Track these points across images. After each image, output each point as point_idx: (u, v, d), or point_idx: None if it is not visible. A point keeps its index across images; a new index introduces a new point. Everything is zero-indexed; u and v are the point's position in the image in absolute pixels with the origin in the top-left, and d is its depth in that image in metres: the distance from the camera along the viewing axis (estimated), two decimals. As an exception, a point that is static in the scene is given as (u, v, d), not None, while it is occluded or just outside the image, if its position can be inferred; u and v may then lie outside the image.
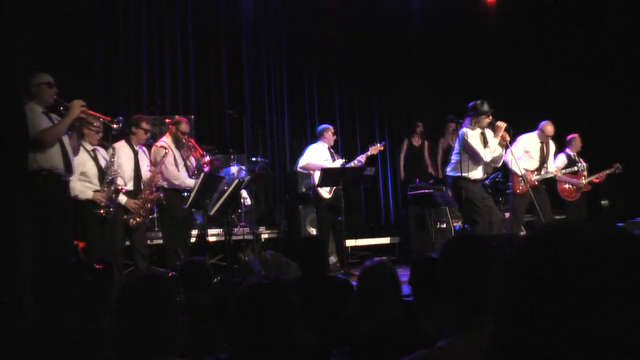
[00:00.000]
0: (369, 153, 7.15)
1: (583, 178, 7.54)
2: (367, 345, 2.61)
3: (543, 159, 6.92)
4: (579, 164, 7.39)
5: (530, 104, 8.82)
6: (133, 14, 8.05)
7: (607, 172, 7.58)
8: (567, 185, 7.55)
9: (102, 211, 5.22)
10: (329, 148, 7.06)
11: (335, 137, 7.26)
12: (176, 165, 5.98)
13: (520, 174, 6.61)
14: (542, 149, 6.94)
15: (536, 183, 6.76)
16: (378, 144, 7.27)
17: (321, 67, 9.27)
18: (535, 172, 6.86)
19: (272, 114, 8.90)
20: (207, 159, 6.36)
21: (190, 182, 5.95)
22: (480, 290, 1.55)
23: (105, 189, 5.29)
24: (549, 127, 6.91)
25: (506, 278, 0.72)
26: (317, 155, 6.95)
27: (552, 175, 7.01)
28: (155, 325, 1.80)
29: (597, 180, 7.61)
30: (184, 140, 6.08)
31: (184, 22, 8.38)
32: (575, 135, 7.65)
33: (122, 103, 7.83)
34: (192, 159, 6.22)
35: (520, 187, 6.68)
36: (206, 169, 6.20)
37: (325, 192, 6.83)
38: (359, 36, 9.31)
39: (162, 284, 1.92)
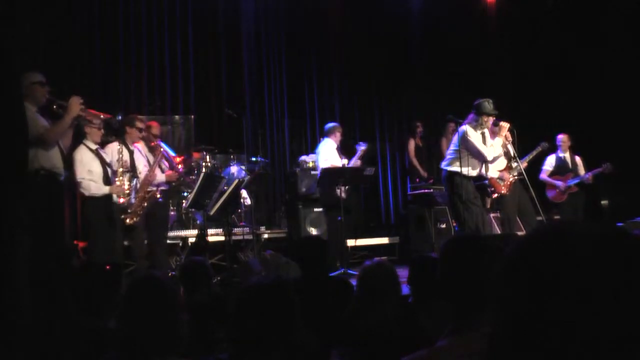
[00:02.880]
0: (361, 153, 7.10)
1: (570, 179, 7.50)
2: (367, 345, 2.61)
3: (508, 155, 6.81)
4: (543, 144, 7.21)
5: (531, 104, 8.83)
6: (133, 14, 8.06)
7: (596, 172, 7.50)
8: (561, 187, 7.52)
9: (122, 200, 5.22)
10: (337, 147, 7.06)
11: (342, 137, 7.18)
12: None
13: (495, 176, 6.56)
14: (504, 145, 6.85)
15: (515, 178, 6.67)
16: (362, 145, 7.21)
17: (321, 67, 9.27)
18: (508, 169, 6.74)
19: (272, 114, 8.90)
20: (178, 159, 6.40)
21: (162, 177, 6.00)
22: (479, 290, 1.55)
23: (124, 180, 5.29)
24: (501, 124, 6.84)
25: (505, 278, 0.72)
26: (328, 155, 6.92)
27: (521, 168, 6.84)
28: (157, 325, 1.80)
29: (588, 182, 7.53)
30: (156, 143, 6.12)
31: (184, 22, 8.38)
32: (563, 135, 7.61)
33: (122, 103, 7.82)
34: (165, 162, 6.27)
35: (503, 187, 6.60)
36: (181, 169, 6.26)
37: (343, 193, 6.93)
38: (359, 36, 9.31)
39: (164, 284, 1.92)
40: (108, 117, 5.12)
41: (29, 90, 4.48)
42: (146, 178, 5.78)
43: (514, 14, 9.47)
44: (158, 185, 6.01)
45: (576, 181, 7.53)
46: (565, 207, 7.58)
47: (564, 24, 9.00)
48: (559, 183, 7.54)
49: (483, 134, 6.16)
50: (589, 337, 0.64)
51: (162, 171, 6.17)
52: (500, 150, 6.23)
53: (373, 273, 2.81)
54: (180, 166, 6.34)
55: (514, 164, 6.72)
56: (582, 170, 7.66)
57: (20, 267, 3.11)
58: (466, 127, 6.08)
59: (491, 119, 6.11)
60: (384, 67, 9.43)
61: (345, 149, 7.30)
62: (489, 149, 6.10)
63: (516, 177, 6.67)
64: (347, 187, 6.74)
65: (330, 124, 7.20)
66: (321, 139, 7.27)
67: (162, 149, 6.07)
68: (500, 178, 6.60)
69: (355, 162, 7.09)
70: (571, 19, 8.91)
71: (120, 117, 5.37)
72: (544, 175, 7.67)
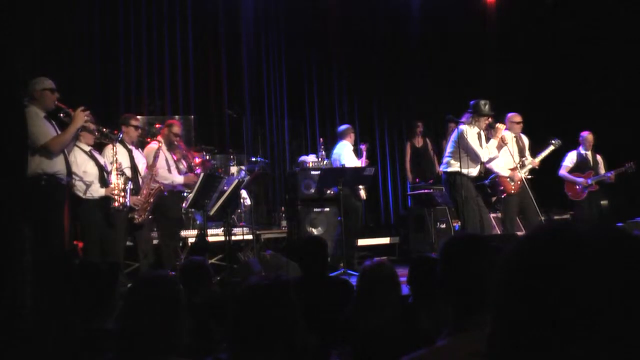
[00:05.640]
0: (367, 154, 7.45)
1: (591, 177, 7.41)
2: (367, 345, 2.61)
3: (521, 153, 6.78)
4: (554, 142, 7.16)
5: (531, 104, 8.81)
6: (133, 14, 8.06)
7: (617, 172, 7.38)
8: (582, 183, 7.42)
9: (117, 204, 5.25)
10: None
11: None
12: (168, 166, 6.01)
13: (506, 175, 6.49)
14: (517, 143, 6.76)
15: (523, 176, 6.64)
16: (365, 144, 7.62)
17: (321, 67, 9.27)
18: (519, 167, 6.71)
19: (272, 114, 8.90)
20: (197, 160, 6.39)
21: (180, 179, 6.03)
22: (479, 290, 1.55)
23: (119, 182, 5.31)
24: (515, 118, 6.73)
25: (504, 277, 0.72)
26: (352, 156, 7.14)
27: (531, 165, 6.79)
28: (160, 325, 1.80)
29: (610, 180, 7.39)
30: (176, 142, 6.12)
31: (184, 22, 8.39)
32: (587, 132, 7.52)
33: (122, 103, 7.83)
34: (184, 161, 6.27)
35: (513, 187, 6.50)
36: (198, 170, 6.25)
37: (363, 194, 7.15)
38: (359, 36, 9.31)
39: (169, 284, 1.92)
40: (108, 131, 5.21)
41: (39, 96, 4.61)
42: (148, 175, 5.76)
43: (514, 13, 9.47)
44: (174, 186, 6.01)
45: (597, 179, 7.42)
46: (583, 205, 7.46)
47: (564, 22, 9.00)
48: (580, 180, 7.43)
49: (479, 134, 6.17)
50: (587, 337, 0.64)
51: (180, 172, 6.16)
52: (496, 152, 6.22)
53: (373, 273, 2.81)
54: (197, 168, 6.33)
55: (527, 161, 6.69)
56: (602, 169, 7.54)
57: (21, 267, 3.11)
58: (464, 127, 6.09)
59: (486, 120, 6.11)
60: (383, 67, 9.43)
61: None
62: (484, 150, 6.10)
63: (525, 177, 6.62)
64: (364, 187, 7.06)
65: (344, 127, 7.44)
66: (338, 140, 7.37)
67: (180, 149, 6.06)
68: (511, 178, 6.54)
69: (364, 163, 7.38)
70: (571, 17, 8.91)
71: (121, 134, 5.45)
72: (563, 172, 7.51)
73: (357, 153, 7.42)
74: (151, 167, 5.78)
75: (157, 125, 6.27)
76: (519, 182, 6.49)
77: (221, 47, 8.62)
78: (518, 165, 6.50)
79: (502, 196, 6.76)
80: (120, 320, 1.90)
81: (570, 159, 7.50)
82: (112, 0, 8.00)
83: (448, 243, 1.77)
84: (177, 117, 8.24)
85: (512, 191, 6.53)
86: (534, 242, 0.72)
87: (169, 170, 6.04)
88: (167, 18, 8.29)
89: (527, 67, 9.14)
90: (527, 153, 6.83)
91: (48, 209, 4.47)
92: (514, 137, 6.75)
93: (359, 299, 2.84)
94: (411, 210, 8.20)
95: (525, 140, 6.91)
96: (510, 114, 6.77)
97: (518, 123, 6.74)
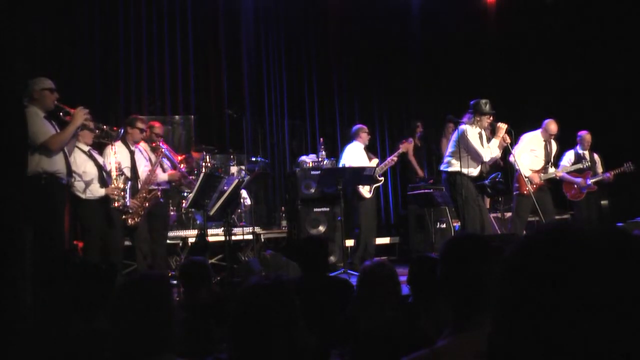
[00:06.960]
0: (400, 151, 7.46)
1: (589, 177, 7.38)
2: (367, 345, 2.61)
3: (548, 158, 6.80)
4: (584, 161, 7.25)
5: (530, 104, 8.82)
6: (133, 14, 8.06)
7: (616, 172, 7.33)
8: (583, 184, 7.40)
9: (117, 204, 5.26)
10: (364, 148, 7.28)
11: (369, 136, 7.44)
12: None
13: (526, 175, 6.44)
14: (546, 147, 6.80)
15: (542, 182, 6.68)
16: (406, 142, 7.61)
17: (321, 67, 9.27)
18: (542, 172, 6.74)
19: (272, 114, 8.90)
20: (179, 157, 6.45)
21: (164, 176, 6.10)
22: (480, 290, 1.55)
23: (119, 182, 5.33)
24: (552, 126, 6.76)
25: (505, 278, 0.72)
26: (356, 157, 7.12)
27: (553, 175, 6.89)
28: (148, 325, 1.82)
29: (609, 180, 7.34)
30: (158, 142, 6.16)
31: (184, 22, 8.39)
32: (585, 132, 7.46)
33: (122, 103, 7.83)
34: (166, 161, 6.31)
35: (527, 189, 6.42)
36: (183, 168, 6.31)
37: (365, 192, 7.08)
38: (359, 36, 9.32)
39: (153, 284, 1.94)
40: (108, 128, 5.21)
41: (39, 96, 4.61)
42: (147, 178, 5.80)
43: (514, 13, 9.47)
44: (159, 185, 6.04)
45: (595, 179, 7.36)
46: (582, 205, 7.40)
47: (564, 22, 9.00)
48: (578, 180, 7.35)
49: (480, 134, 6.17)
50: (588, 337, 0.64)
51: (164, 171, 6.21)
52: (498, 152, 6.22)
53: (373, 273, 2.81)
54: (182, 165, 6.39)
55: (550, 170, 6.73)
56: (599, 168, 7.49)
57: (21, 267, 3.11)
58: (465, 127, 6.09)
59: (487, 119, 6.12)
60: (383, 67, 9.43)
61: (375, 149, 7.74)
62: (485, 150, 6.10)
63: (543, 183, 6.67)
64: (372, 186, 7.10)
65: (355, 127, 7.44)
66: (350, 140, 7.41)
67: (163, 149, 6.09)
68: (530, 179, 6.49)
69: (390, 159, 7.43)
70: (572, 17, 8.91)
71: (122, 130, 5.46)
72: (561, 172, 7.39)
73: (370, 152, 7.45)
74: (151, 170, 5.80)
75: None
76: (534, 186, 6.47)
77: (221, 47, 8.62)
78: (549, 169, 6.57)
79: (515, 193, 6.76)
80: (110, 322, 1.92)
81: (568, 158, 7.46)
82: (112, 0, 8.00)
83: (448, 243, 1.77)
84: (177, 117, 8.26)
85: (526, 192, 6.47)
86: (534, 242, 0.72)
87: (162, 169, 6.14)
88: (167, 18, 8.28)
89: (527, 67, 9.15)
90: (551, 161, 6.88)
91: (48, 208, 4.47)
92: (545, 141, 6.81)
93: (359, 299, 2.84)
94: (411, 210, 8.19)
95: (554, 147, 6.93)
96: (546, 120, 6.84)
97: (551, 130, 6.80)
